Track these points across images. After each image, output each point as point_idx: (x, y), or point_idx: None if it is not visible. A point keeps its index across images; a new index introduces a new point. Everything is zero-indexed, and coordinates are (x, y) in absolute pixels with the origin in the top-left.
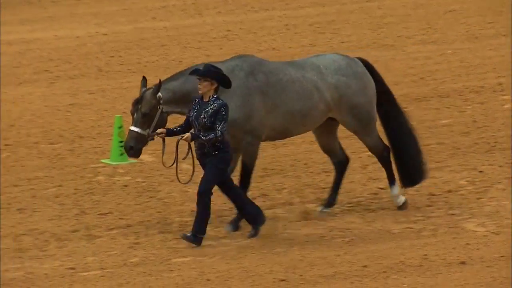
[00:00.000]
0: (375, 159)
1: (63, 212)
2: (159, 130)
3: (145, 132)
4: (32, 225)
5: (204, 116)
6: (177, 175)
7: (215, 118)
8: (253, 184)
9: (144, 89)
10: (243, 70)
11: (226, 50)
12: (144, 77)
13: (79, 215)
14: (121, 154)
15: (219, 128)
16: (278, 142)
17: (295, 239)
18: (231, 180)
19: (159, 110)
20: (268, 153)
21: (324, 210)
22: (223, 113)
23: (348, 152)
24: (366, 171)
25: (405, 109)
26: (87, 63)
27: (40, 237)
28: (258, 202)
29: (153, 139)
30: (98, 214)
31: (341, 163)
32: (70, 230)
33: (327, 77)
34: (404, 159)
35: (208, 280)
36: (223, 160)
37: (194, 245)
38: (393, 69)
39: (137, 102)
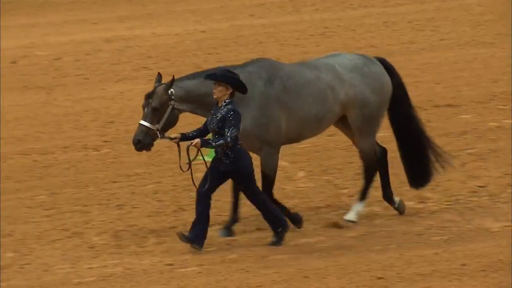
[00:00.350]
0: (474, 157)
1: (161, 209)
2: (173, 135)
3: (154, 127)
4: (131, 221)
5: (213, 121)
6: (192, 181)
7: (223, 123)
8: (351, 181)
9: (157, 84)
10: (261, 78)
11: (323, 48)
12: (159, 73)
13: (177, 212)
14: None
15: (228, 134)
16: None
17: (392, 237)
18: (255, 186)
19: (170, 106)
20: None
21: (395, 204)
22: (231, 118)
23: (450, 148)
24: (464, 169)
25: (418, 113)
26: (185, 60)
27: (139, 233)
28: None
29: (163, 136)
30: None
31: (380, 158)
32: (168, 226)
33: (342, 76)
34: (411, 160)
35: (306, 277)
36: (245, 167)
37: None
38: (492, 67)
39: (149, 96)
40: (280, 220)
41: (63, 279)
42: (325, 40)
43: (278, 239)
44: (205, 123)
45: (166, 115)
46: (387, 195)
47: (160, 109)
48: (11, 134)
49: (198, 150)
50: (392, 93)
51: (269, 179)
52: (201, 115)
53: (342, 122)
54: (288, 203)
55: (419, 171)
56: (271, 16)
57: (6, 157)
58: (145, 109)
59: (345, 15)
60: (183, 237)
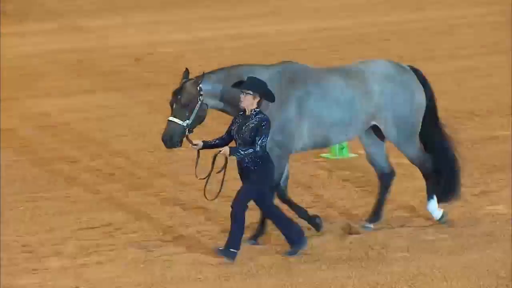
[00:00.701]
0: None
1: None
2: (195, 142)
3: (184, 123)
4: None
5: (245, 130)
6: (204, 190)
7: (256, 133)
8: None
9: (185, 80)
10: (284, 78)
11: (448, 45)
12: (186, 69)
13: None
14: (342, 148)
15: (258, 143)
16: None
17: None
18: (271, 200)
19: (199, 102)
20: (489, 150)
21: (367, 226)
22: (264, 127)
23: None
24: None
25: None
26: (308, 58)
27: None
28: (478, 198)
29: (190, 132)
30: (319, 209)
31: (386, 176)
32: None
33: (372, 84)
34: (436, 174)
35: (425, 275)
36: (262, 178)
37: (227, 260)
38: None
39: (177, 93)
40: (298, 237)
41: None
42: (448, 38)
43: (294, 251)
44: (228, 132)
45: (195, 111)
46: (376, 218)
47: (190, 105)
48: (136, 131)
49: (226, 158)
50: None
51: (276, 181)
52: (229, 113)
53: (367, 135)
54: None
55: (444, 186)
56: (395, 14)
57: (131, 153)
58: (174, 106)
59: (469, 12)
60: (218, 251)
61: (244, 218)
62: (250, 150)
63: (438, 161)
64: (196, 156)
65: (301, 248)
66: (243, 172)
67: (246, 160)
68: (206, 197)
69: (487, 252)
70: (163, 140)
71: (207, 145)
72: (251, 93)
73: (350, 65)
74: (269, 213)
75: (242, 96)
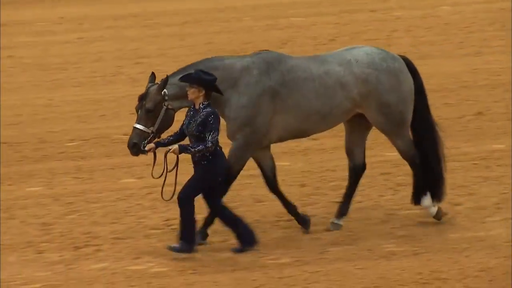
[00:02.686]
0: None
1: None
2: (147, 147)
3: (149, 130)
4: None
5: (193, 125)
6: (162, 190)
7: (204, 127)
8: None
9: (150, 84)
10: (258, 68)
11: None
12: (152, 72)
13: None
14: None
15: (209, 139)
16: None
17: None
18: (220, 200)
19: (165, 107)
20: None
21: (336, 222)
22: (211, 122)
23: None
24: None
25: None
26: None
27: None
28: None
29: (158, 137)
30: None
31: (356, 170)
32: None
33: (356, 70)
34: (422, 170)
35: (476, 277)
36: (211, 171)
37: (184, 255)
38: None
39: (142, 98)
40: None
41: None
42: None
43: (242, 248)
44: (181, 127)
45: (160, 117)
46: (342, 213)
47: (154, 110)
48: None
49: (177, 156)
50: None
51: (232, 172)
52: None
53: (351, 123)
54: None
55: (428, 187)
56: None
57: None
58: (139, 112)
59: None
60: (172, 248)
61: (192, 209)
62: (201, 147)
63: (425, 158)
64: (153, 157)
65: (250, 247)
66: (194, 165)
67: (197, 155)
68: (162, 198)
69: None
70: (128, 147)
71: (160, 145)
72: (196, 86)
73: (334, 52)
74: (216, 210)
75: (188, 89)
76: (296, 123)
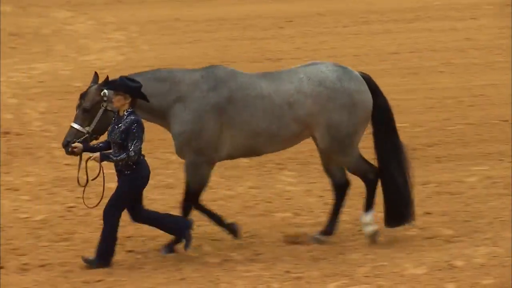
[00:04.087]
0: None
1: None
2: (74, 144)
3: (84, 130)
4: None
5: (116, 132)
6: (83, 198)
7: (126, 135)
8: None
9: (92, 83)
10: (207, 83)
11: None
12: (95, 72)
13: None
14: None
15: (131, 148)
16: None
17: None
18: (141, 205)
19: (103, 108)
20: None
21: (319, 238)
22: (134, 130)
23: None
24: None
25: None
26: None
27: None
28: None
29: (96, 139)
30: None
31: (339, 187)
32: None
33: (306, 89)
34: (388, 192)
35: None
36: (133, 182)
37: (100, 267)
38: None
39: (82, 97)
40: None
41: None
42: None
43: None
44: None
45: (97, 117)
46: (328, 232)
47: (91, 110)
48: None
49: (100, 164)
50: (376, 116)
51: (190, 190)
52: (146, 120)
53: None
54: None
55: (396, 209)
56: None
57: None
58: (77, 110)
59: None
60: (87, 261)
61: (115, 224)
62: (123, 156)
63: (388, 179)
64: (78, 161)
65: (186, 233)
66: (118, 175)
67: (120, 164)
68: (85, 205)
69: None
70: (62, 145)
71: (89, 149)
72: (122, 93)
73: (291, 68)
74: (141, 218)
75: (113, 96)
76: (245, 141)
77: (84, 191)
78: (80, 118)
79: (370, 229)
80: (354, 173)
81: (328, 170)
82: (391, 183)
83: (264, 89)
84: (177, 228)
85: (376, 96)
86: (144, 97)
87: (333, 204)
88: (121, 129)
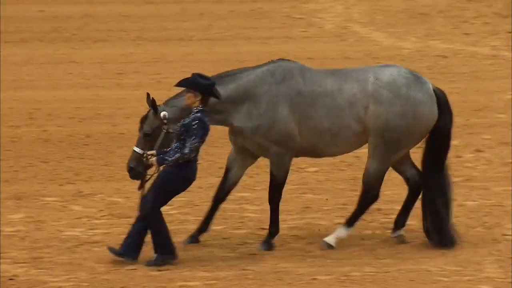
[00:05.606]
0: None
1: None
2: (149, 152)
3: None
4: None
5: (178, 125)
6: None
7: (186, 130)
8: None
9: (151, 107)
10: (275, 77)
11: None
12: (148, 94)
13: None
14: None
15: (188, 145)
16: None
17: None
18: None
19: (164, 131)
20: None
21: (395, 235)
22: (194, 127)
23: None
24: None
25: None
26: None
27: None
28: None
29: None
30: None
31: (414, 182)
32: None
33: (370, 90)
34: (427, 210)
35: None
36: (173, 180)
37: (168, 262)
38: None
39: (142, 121)
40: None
41: None
42: None
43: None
44: None
45: (159, 141)
46: (399, 226)
47: (152, 134)
48: None
49: (157, 168)
50: (432, 135)
51: (277, 181)
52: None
53: None
54: None
55: (439, 225)
56: None
57: None
58: (139, 133)
59: None
60: (150, 263)
61: (160, 220)
62: (177, 155)
63: (432, 201)
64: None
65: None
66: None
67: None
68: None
69: None
70: (127, 170)
71: (161, 153)
72: (192, 91)
73: (361, 67)
74: (152, 214)
75: (184, 94)
76: (309, 137)
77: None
78: (141, 143)
79: (330, 240)
80: (366, 179)
81: (401, 173)
82: (432, 205)
83: (328, 86)
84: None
85: (443, 114)
86: (216, 95)
87: (406, 198)
88: (182, 123)
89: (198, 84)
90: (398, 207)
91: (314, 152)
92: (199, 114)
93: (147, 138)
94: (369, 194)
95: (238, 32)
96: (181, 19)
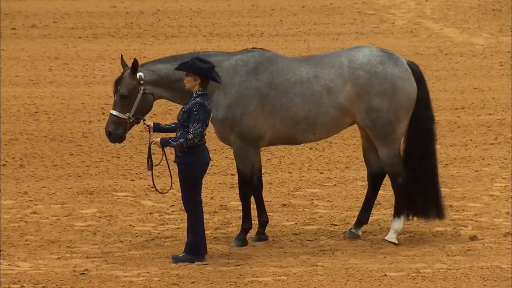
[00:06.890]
0: None
1: None
2: (147, 123)
3: (125, 116)
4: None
5: (180, 112)
6: (153, 183)
7: (188, 116)
8: None
9: (126, 68)
10: (247, 67)
11: None
12: (121, 55)
13: None
14: None
15: (191, 130)
16: None
17: None
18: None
19: (141, 92)
20: None
21: (354, 231)
22: (196, 112)
23: None
24: None
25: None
26: None
27: None
28: None
29: (138, 122)
30: None
31: (375, 177)
32: None
33: (347, 73)
34: (414, 183)
35: None
36: (186, 169)
37: (188, 262)
38: None
39: (117, 83)
40: (197, 249)
41: None
42: None
43: (181, 259)
44: None
45: (137, 102)
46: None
47: (129, 95)
48: None
49: (162, 149)
50: (417, 103)
51: (242, 174)
52: (178, 103)
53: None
54: None
55: (427, 201)
56: None
57: None
58: (115, 97)
59: None
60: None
61: (198, 215)
62: (181, 140)
63: (417, 170)
64: (148, 143)
65: (192, 259)
66: (175, 156)
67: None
68: (157, 191)
69: None
70: (106, 134)
71: (159, 129)
72: (191, 74)
73: (333, 52)
74: (188, 209)
75: (184, 77)
76: (285, 128)
77: (152, 178)
78: (118, 105)
79: (391, 236)
80: (387, 168)
81: (364, 158)
82: (418, 179)
83: (303, 74)
84: (195, 247)
85: (420, 87)
86: (214, 78)
87: (367, 194)
88: (184, 109)
89: (197, 68)
90: (470, 204)
91: (290, 140)
92: (199, 99)
93: (124, 101)
94: (398, 179)
95: (309, 28)
96: (252, 15)
